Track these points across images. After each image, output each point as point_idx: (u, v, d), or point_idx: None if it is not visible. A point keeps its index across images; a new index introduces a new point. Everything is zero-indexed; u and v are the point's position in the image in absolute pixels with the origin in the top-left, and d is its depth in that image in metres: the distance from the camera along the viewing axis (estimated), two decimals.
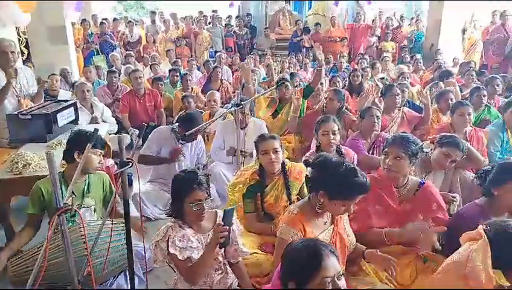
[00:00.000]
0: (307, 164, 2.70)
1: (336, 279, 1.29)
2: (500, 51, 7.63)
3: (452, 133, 3.17)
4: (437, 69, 6.28)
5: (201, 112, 4.67)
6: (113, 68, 6.61)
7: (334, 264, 1.30)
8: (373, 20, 10.24)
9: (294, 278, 1.31)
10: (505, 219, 1.42)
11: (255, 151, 3.41)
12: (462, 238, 1.44)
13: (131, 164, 1.70)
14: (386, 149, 2.27)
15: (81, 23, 8.76)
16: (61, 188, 2.03)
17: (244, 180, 2.53)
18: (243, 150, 3.33)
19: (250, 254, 2.17)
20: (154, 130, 3.44)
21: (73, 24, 7.62)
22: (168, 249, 1.83)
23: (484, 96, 4.08)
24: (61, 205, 1.47)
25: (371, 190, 1.79)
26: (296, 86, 5.08)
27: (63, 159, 2.42)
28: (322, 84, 5.04)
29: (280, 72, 6.85)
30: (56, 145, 3.13)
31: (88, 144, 1.57)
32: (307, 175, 1.92)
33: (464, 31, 8.92)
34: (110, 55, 7.91)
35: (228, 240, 1.78)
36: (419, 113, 4.05)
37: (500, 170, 2.09)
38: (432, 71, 6.72)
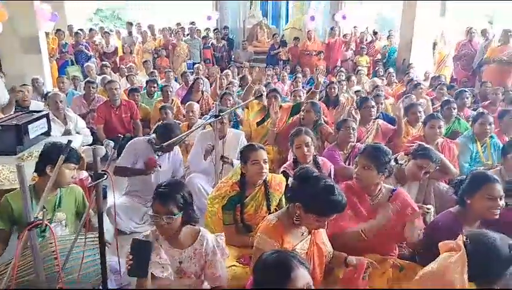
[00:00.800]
0: (285, 174, 2.72)
1: None
2: (468, 65, 7.98)
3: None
4: (409, 82, 6.49)
5: (180, 123, 4.64)
6: (90, 78, 6.49)
7: (303, 275, 1.30)
8: (344, 35, 10.51)
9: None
10: (483, 231, 1.45)
11: (236, 161, 3.42)
12: (441, 248, 1.47)
13: (106, 176, 1.66)
14: (356, 158, 2.33)
15: (55, 33, 8.59)
16: (31, 202, 1.96)
17: (224, 193, 2.52)
18: (224, 156, 3.32)
19: (228, 267, 2.14)
20: (130, 141, 3.38)
21: (47, 34, 7.46)
22: None
23: (454, 108, 4.23)
24: (32, 219, 1.42)
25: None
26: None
27: (35, 171, 2.33)
28: (300, 96, 5.13)
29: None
30: (27, 157, 3.02)
31: (60, 157, 1.53)
32: (287, 185, 1.92)
33: (434, 45, 9.27)
34: (85, 65, 7.76)
35: (141, 271, 1.65)
36: (393, 124, 4.16)
37: (471, 179, 2.16)
38: (404, 84, 6.93)
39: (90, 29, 10.41)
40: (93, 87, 5.54)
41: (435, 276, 1.41)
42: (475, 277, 1.33)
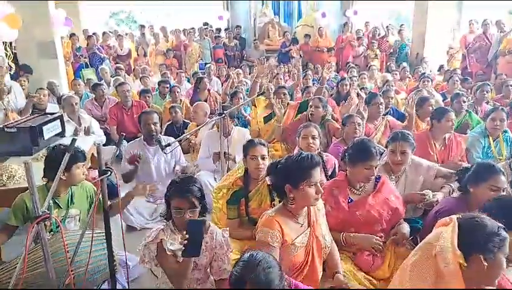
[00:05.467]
0: None
1: None
2: (483, 58, 7.80)
3: (430, 140, 3.26)
4: (420, 77, 6.41)
5: (189, 123, 4.72)
6: (100, 81, 6.65)
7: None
8: (357, 31, 10.43)
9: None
10: (478, 214, 1.48)
11: (239, 156, 3.48)
12: (436, 226, 1.50)
13: (110, 172, 1.74)
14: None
15: (70, 37, 8.82)
16: (44, 199, 2.06)
17: (228, 184, 2.58)
18: (227, 152, 3.37)
19: (232, 260, 2.19)
20: (126, 145, 3.46)
21: (62, 38, 7.68)
22: (157, 252, 1.89)
23: (464, 102, 4.17)
24: (40, 213, 1.49)
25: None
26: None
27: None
28: (312, 93, 5.15)
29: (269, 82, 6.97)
30: (41, 157, 3.15)
31: (66, 155, 1.61)
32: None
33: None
34: (99, 68, 7.95)
35: (195, 250, 1.74)
36: (402, 120, 4.13)
37: (478, 169, 2.21)
38: (417, 79, 6.84)
39: (104, 33, 10.62)
40: (102, 90, 5.69)
41: (428, 246, 1.44)
42: (462, 249, 1.36)
